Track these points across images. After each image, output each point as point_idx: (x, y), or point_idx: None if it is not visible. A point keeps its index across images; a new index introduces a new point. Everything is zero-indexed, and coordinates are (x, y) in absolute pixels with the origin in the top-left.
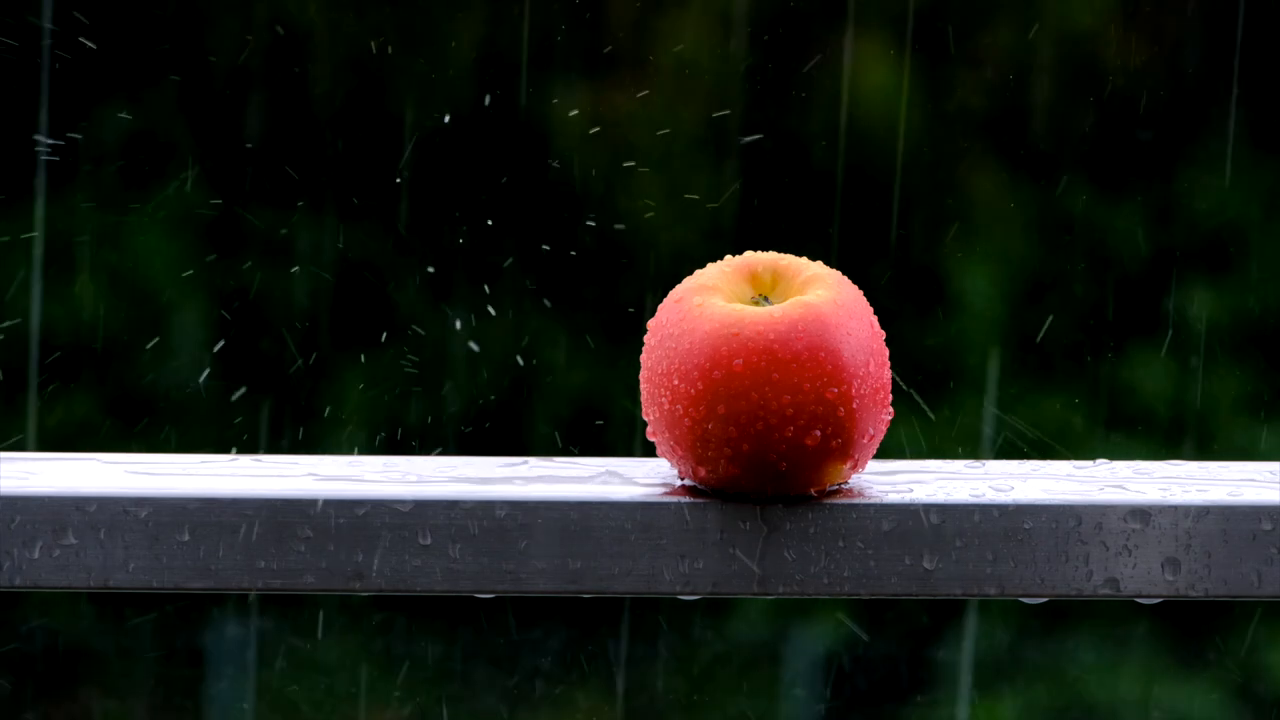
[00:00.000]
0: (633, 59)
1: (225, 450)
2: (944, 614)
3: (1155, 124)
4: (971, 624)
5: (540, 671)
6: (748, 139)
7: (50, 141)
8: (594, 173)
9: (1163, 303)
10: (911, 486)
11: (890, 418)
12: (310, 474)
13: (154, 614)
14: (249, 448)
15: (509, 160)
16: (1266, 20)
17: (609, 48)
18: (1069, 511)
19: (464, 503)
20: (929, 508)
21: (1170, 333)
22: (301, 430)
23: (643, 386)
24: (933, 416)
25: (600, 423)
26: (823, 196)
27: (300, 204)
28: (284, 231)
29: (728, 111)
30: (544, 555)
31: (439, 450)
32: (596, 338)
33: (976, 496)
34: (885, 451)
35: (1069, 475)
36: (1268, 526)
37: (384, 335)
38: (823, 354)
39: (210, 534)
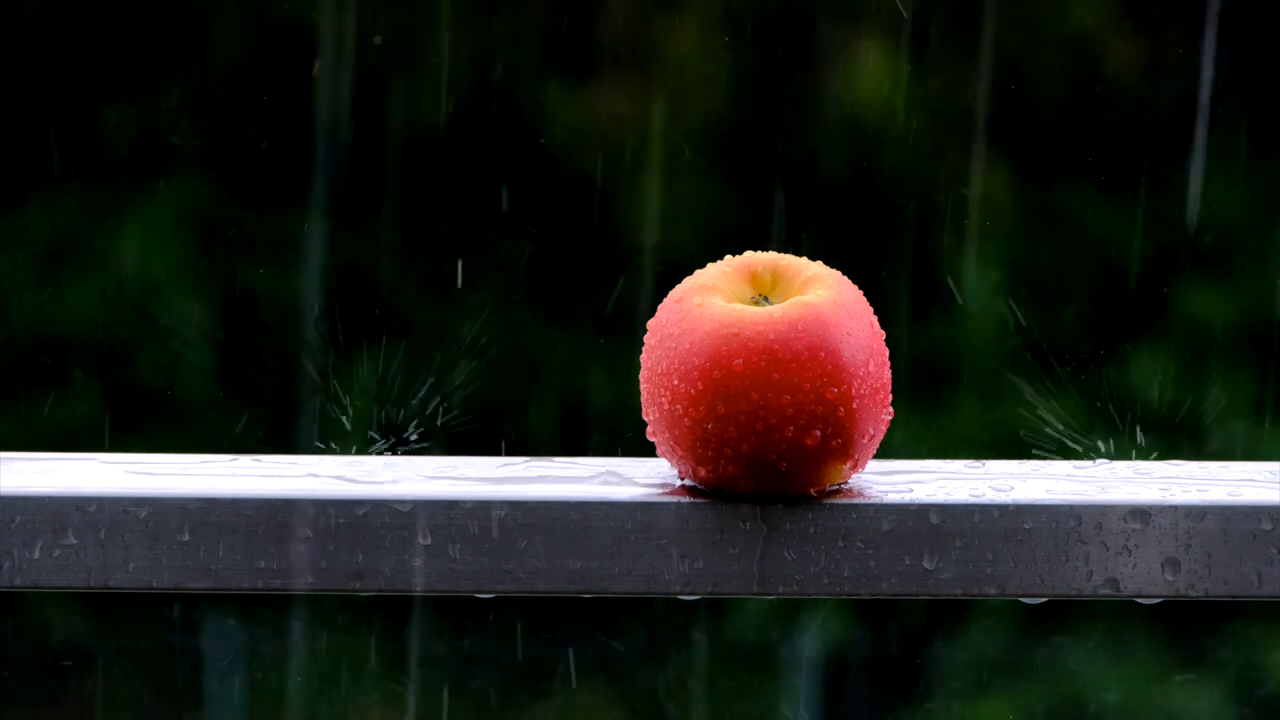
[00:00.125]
0: (632, 59)
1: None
2: (944, 614)
3: (1156, 124)
4: (971, 624)
5: (540, 671)
6: (747, 139)
7: (50, 141)
8: (594, 173)
9: (1163, 303)
10: (911, 486)
11: (890, 418)
12: (310, 474)
13: (153, 614)
14: (249, 448)
15: (509, 161)
16: (1267, 20)
17: (608, 48)
18: (1069, 511)
19: (464, 503)
20: (929, 508)
21: (1170, 333)
22: (301, 430)
23: (643, 386)
24: (933, 417)
25: (600, 423)
26: (822, 196)
27: (300, 204)
28: (284, 231)
29: (727, 111)
30: (544, 555)
31: (438, 450)
32: (596, 338)
33: (976, 496)
34: (885, 451)
35: (1069, 475)
36: (1268, 526)
37: (384, 335)
38: (823, 354)
39: (210, 534)
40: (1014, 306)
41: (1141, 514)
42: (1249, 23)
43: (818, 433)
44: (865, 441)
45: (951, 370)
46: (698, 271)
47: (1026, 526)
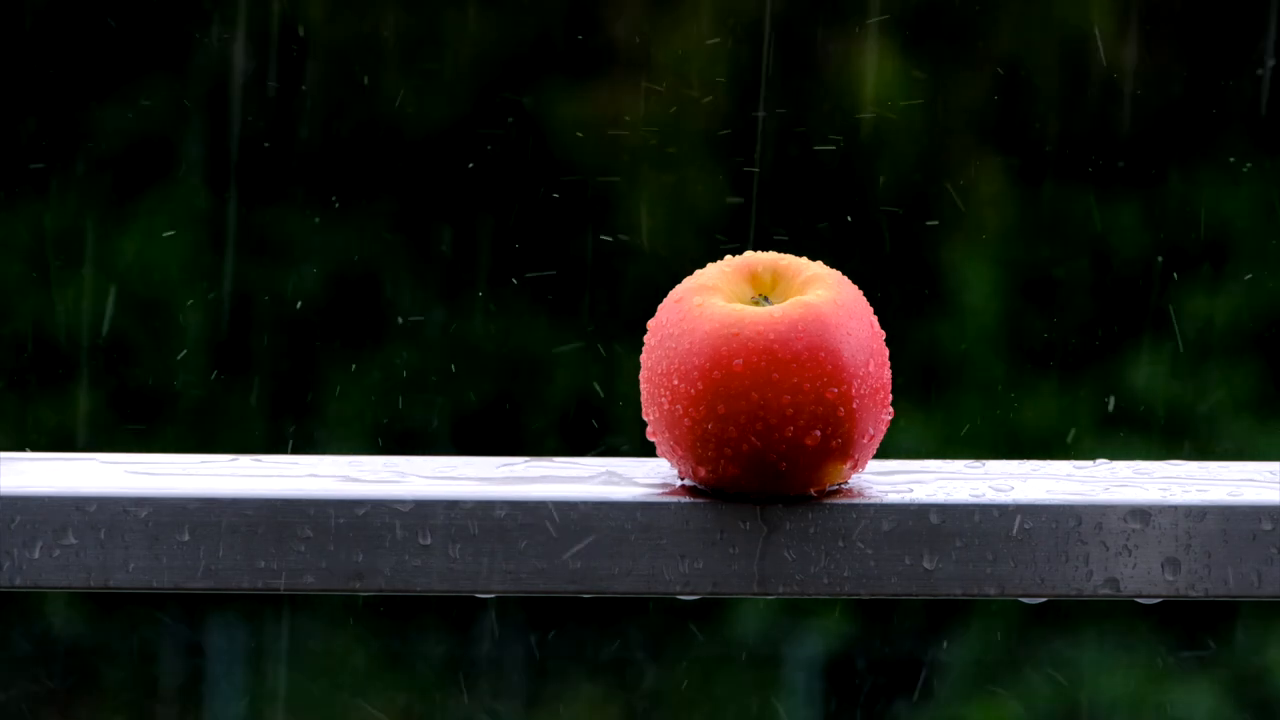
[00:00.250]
0: (633, 59)
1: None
2: (944, 614)
3: (1156, 124)
4: (971, 624)
5: (540, 671)
6: (747, 139)
7: (50, 140)
8: (594, 173)
9: (1162, 303)
10: (911, 486)
11: (890, 418)
12: (310, 474)
13: (153, 614)
14: (249, 447)
15: (509, 161)
16: (1266, 20)
17: (610, 49)
18: (1069, 511)
19: (464, 503)
20: (929, 508)
21: (1170, 333)
22: (301, 430)
23: (643, 386)
24: (932, 417)
25: (600, 423)
26: (822, 196)
27: (300, 204)
28: (285, 231)
29: (728, 112)
30: (544, 555)
31: (438, 450)
32: (596, 337)
33: (976, 496)
34: (885, 451)
35: (1069, 475)
36: (1268, 526)
37: (384, 335)
38: (823, 354)
39: (210, 534)
40: (1013, 306)
41: (1141, 514)
42: (1249, 23)
43: (818, 433)
44: (865, 441)
45: (952, 370)
46: (698, 271)
47: (1026, 526)
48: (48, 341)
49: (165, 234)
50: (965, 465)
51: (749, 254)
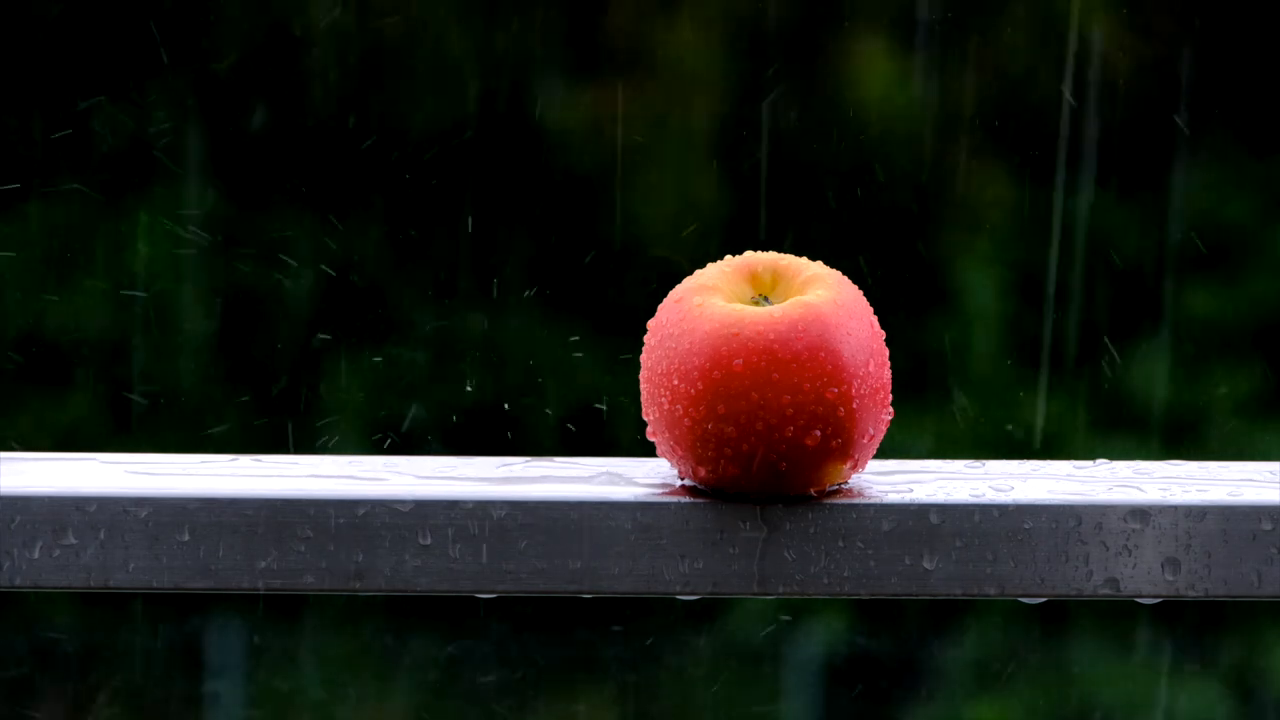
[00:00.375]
0: (634, 60)
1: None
2: (944, 614)
3: (1156, 124)
4: (971, 624)
5: (540, 671)
6: (747, 139)
7: (50, 139)
8: (594, 173)
9: (1162, 303)
10: (911, 486)
11: (890, 418)
12: (310, 474)
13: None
14: (249, 448)
15: (509, 161)
16: (1266, 20)
17: (610, 49)
18: (1069, 511)
19: (464, 503)
20: (929, 508)
21: (1170, 333)
22: (301, 430)
23: (643, 386)
24: (932, 417)
25: (600, 423)
26: (822, 196)
27: (301, 204)
28: (285, 231)
29: (728, 111)
30: (544, 555)
31: (438, 450)
32: (596, 338)
33: (976, 496)
34: (885, 451)
35: (1069, 475)
36: (1268, 526)
37: (384, 335)
38: (823, 354)
39: (210, 534)
40: (1013, 306)
41: (1141, 514)
42: (1249, 23)
43: (818, 433)
44: (865, 441)
45: (952, 370)
46: (698, 271)
47: (1026, 526)
48: (48, 341)
49: (165, 234)
50: (965, 465)
51: (749, 254)
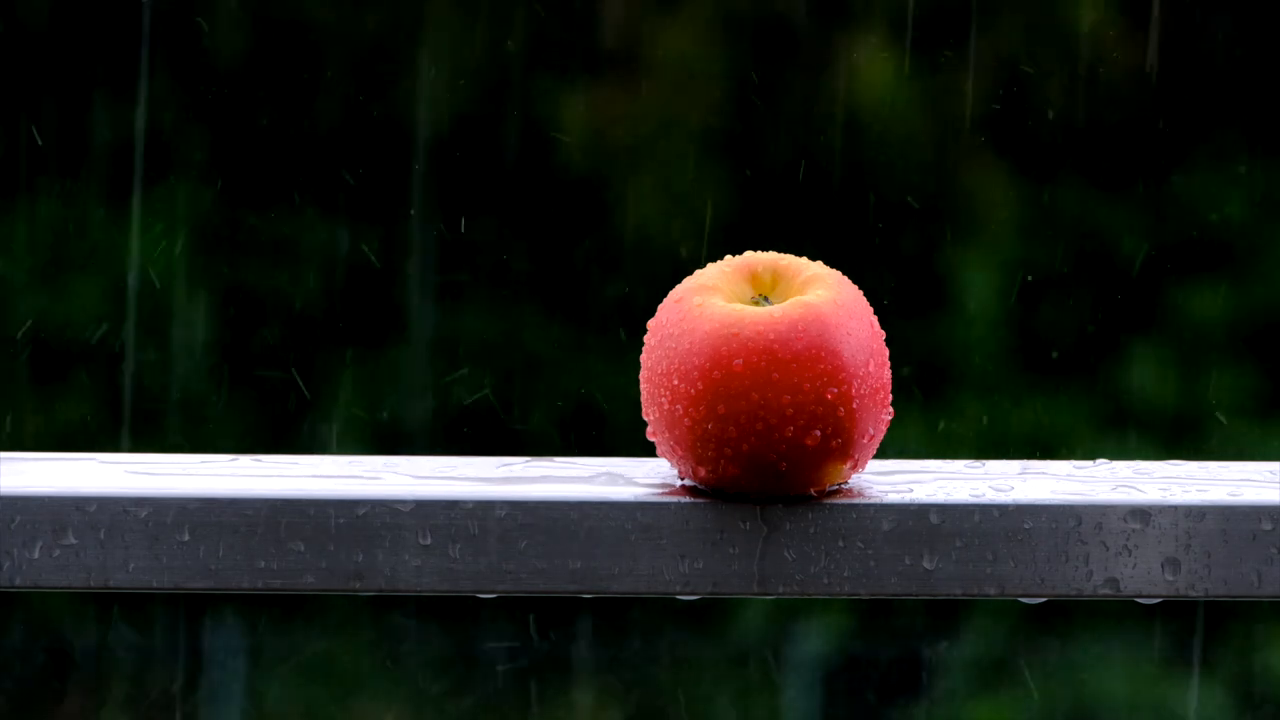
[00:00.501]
0: (633, 60)
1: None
2: (944, 614)
3: (1155, 123)
4: (971, 624)
5: (540, 672)
6: (746, 139)
7: (50, 140)
8: (594, 173)
9: (1162, 302)
10: (911, 486)
11: (890, 418)
12: (310, 474)
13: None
14: (249, 447)
15: (509, 161)
16: (1266, 20)
17: (609, 49)
18: (1069, 511)
19: (464, 503)
20: (929, 508)
21: (1170, 332)
22: (301, 430)
23: (643, 386)
24: (932, 417)
25: (600, 423)
26: (822, 196)
27: (301, 203)
28: (285, 231)
29: (727, 111)
30: (544, 555)
31: (438, 450)
32: (596, 337)
33: (976, 496)
34: (885, 451)
35: (1069, 475)
36: (1268, 526)
37: (384, 335)
38: (823, 354)
39: (210, 534)
40: (1013, 306)
41: (1141, 514)
42: (1249, 22)
43: (818, 433)
44: (865, 441)
45: (952, 370)
46: (698, 271)
47: (1026, 526)
48: (47, 341)
49: (165, 234)
50: (965, 465)
51: (749, 254)
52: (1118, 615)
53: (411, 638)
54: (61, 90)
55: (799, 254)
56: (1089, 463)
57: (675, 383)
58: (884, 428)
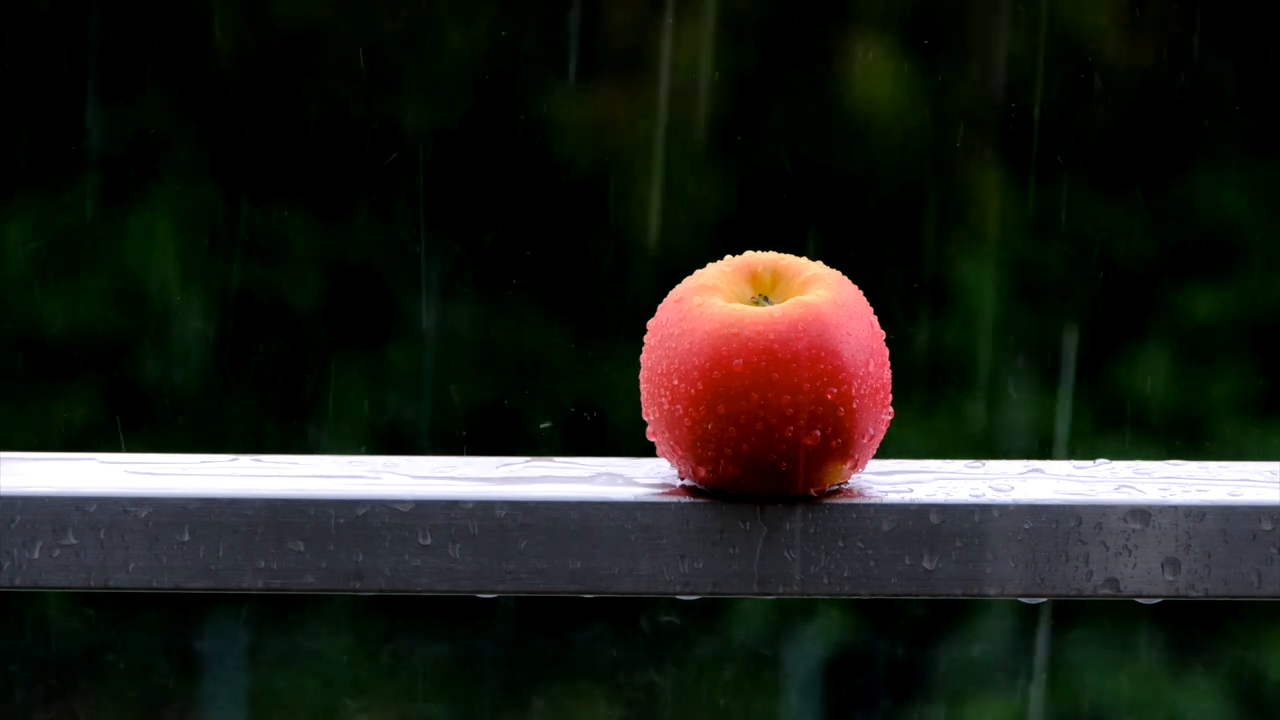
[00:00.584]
0: (634, 60)
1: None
2: (944, 614)
3: (1156, 124)
4: (971, 624)
5: (540, 672)
6: (747, 139)
7: (50, 140)
8: (594, 174)
9: (1162, 303)
10: (911, 486)
11: (890, 418)
12: (310, 474)
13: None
14: (249, 448)
15: (509, 161)
16: (1267, 20)
17: (609, 50)
18: (1069, 511)
19: (464, 503)
20: (929, 508)
21: (1170, 333)
22: (301, 430)
23: (643, 386)
24: (932, 417)
25: (600, 423)
26: (822, 196)
27: (301, 203)
28: (285, 231)
29: (728, 111)
30: (544, 555)
31: (438, 450)
32: (596, 338)
33: (976, 496)
34: (885, 451)
35: (1069, 475)
36: (1268, 526)
37: (384, 335)
38: (823, 354)
39: (210, 534)
40: (1013, 306)
41: (1141, 514)
42: (1249, 23)
43: (818, 433)
44: (865, 441)
45: (952, 370)
46: (698, 271)
47: (1026, 526)
48: (47, 341)
49: (165, 234)
50: (965, 465)
51: (749, 254)
52: (1118, 615)
53: (409, 638)
54: (61, 90)
55: (799, 254)
56: (1089, 463)
57: (675, 383)
58: (884, 428)
